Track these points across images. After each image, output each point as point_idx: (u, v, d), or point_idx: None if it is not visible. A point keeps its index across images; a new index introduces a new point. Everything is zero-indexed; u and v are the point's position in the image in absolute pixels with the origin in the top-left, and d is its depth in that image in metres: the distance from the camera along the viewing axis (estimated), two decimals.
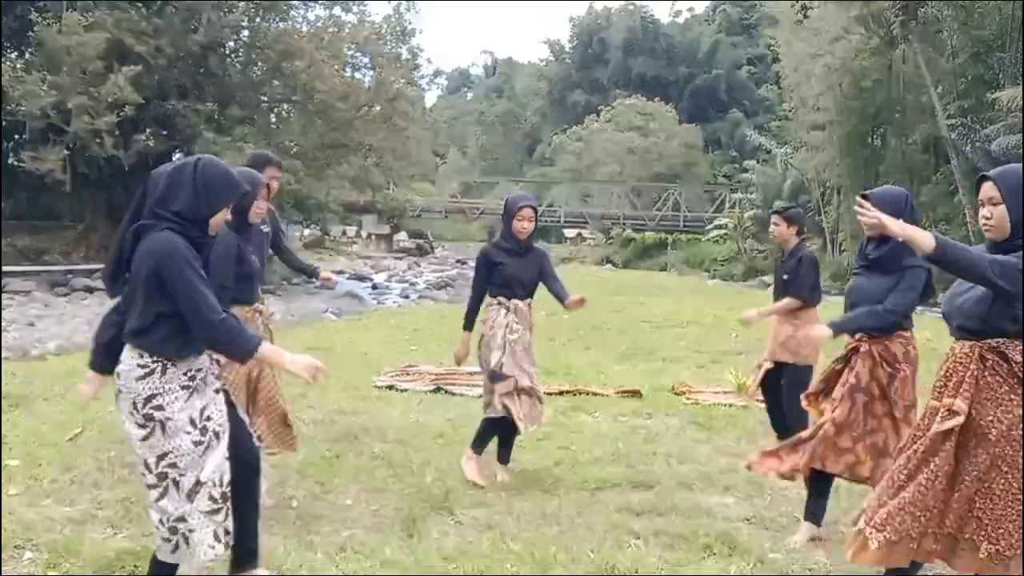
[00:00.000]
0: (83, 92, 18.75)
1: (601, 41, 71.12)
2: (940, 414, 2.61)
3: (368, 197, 32.98)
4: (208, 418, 2.57)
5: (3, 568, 3.07)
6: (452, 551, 3.37)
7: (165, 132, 21.19)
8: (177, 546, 2.51)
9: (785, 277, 4.87)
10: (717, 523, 3.77)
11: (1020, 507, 2.50)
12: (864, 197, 3.01)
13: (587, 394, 6.76)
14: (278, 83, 25.03)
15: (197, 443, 2.53)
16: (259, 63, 24.77)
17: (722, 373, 7.31)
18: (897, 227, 2.53)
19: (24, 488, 3.90)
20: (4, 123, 19.60)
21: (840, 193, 30.81)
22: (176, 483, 2.50)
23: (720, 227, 37.12)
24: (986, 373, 2.56)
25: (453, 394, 6.62)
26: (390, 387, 6.89)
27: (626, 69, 67.63)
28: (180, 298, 2.44)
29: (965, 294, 2.66)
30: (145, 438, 2.48)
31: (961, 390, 2.57)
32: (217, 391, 2.66)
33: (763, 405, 5.15)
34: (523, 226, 4.19)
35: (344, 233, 43.56)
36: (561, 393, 6.73)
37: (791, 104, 32.12)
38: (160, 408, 2.48)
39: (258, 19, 23.97)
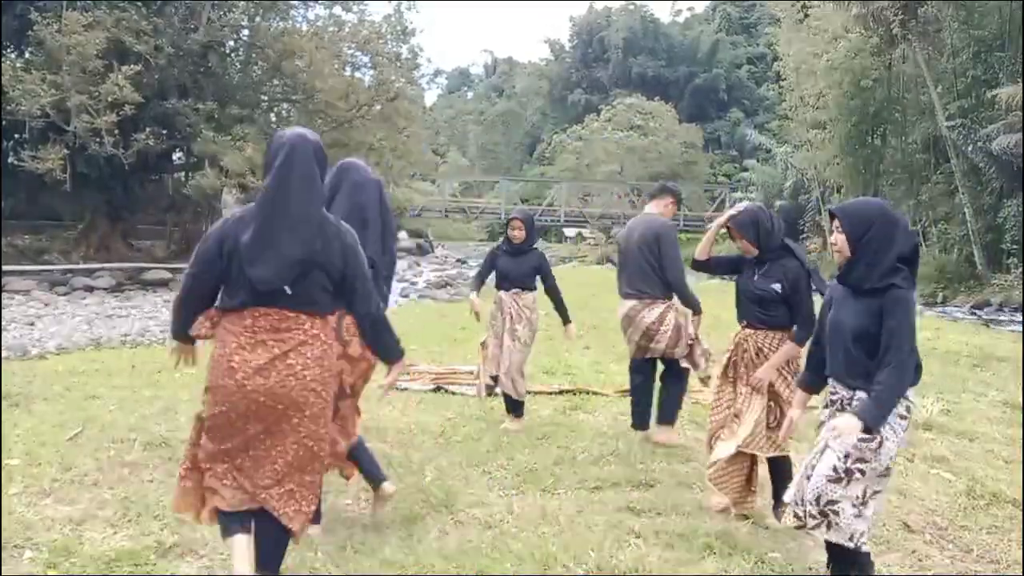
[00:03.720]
0: (83, 91, 18.76)
1: (601, 41, 71.15)
2: None
3: None
4: None
5: (3, 568, 3.07)
6: (452, 550, 3.37)
7: (165, 131, 21.19)
8: (830, 526, 2.91)
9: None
10: (717, 522, 3.76)
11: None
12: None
13: (587, 393, 6.75)
14: (278, 82, 25.02)
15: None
16: (259, 62, 24.77)
17: None
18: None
19: (24, 488, 3.89)
20: (4, 122, 19.59)
21: (840, 192, 30.85)
22: (852, 475, 2.89)
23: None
24: None
25: (453, 393, 6.60)
26: None
27: (626, 68, 67.64)
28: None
29: None
30: (876, 444, 2.85)
31: None
32: None
33: None
34: (513, 233, 5.50)
35: None
36: (561, 392, 6.73)
37: (791, 103, 32.14)
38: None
39: (258, 18, 23.97)
